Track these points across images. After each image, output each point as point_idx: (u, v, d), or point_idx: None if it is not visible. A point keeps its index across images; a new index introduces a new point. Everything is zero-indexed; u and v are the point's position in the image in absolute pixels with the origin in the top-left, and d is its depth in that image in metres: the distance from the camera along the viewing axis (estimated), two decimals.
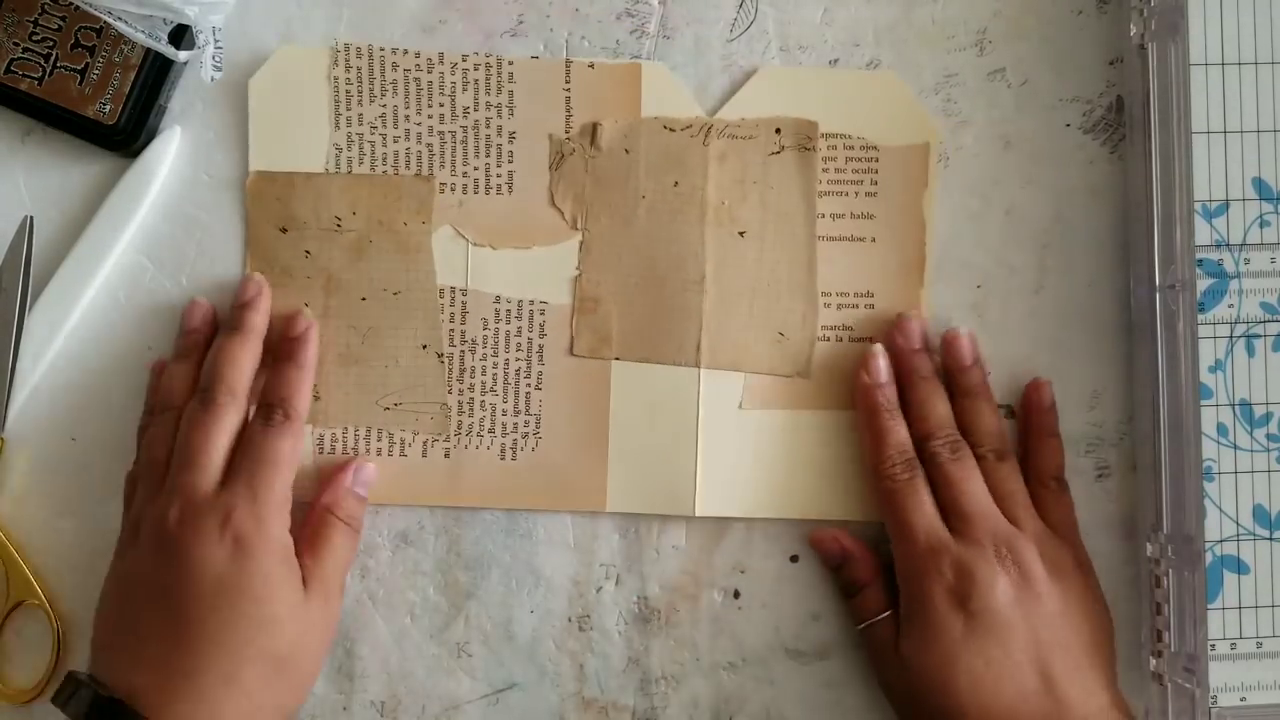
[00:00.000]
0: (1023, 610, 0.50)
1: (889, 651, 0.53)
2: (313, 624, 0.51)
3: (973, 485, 0.52)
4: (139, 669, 0.48)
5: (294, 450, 0.52)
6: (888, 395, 0.54)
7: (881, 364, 0.55)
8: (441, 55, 0.56)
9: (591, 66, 0.56)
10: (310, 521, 0.54)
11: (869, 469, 0.54)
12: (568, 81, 0.56)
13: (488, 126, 0.56)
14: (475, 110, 0.56)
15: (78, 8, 0.50)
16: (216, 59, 0.55)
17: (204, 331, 0.54)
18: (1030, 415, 0.55)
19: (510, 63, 0.56)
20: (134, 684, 0.48)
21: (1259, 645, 0.54)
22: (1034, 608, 0.51)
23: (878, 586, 0.54)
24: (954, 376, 0.55)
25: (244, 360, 0.53)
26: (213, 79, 0.55)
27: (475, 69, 0.56)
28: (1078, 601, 0.52)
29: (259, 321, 0.54)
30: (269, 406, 0.52)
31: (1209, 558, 0.54)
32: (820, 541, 0.56)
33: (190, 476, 0.50)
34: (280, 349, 0.54)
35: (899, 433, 0.54)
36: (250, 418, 0.52)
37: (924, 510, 0.52)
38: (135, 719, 0.47)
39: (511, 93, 0.56)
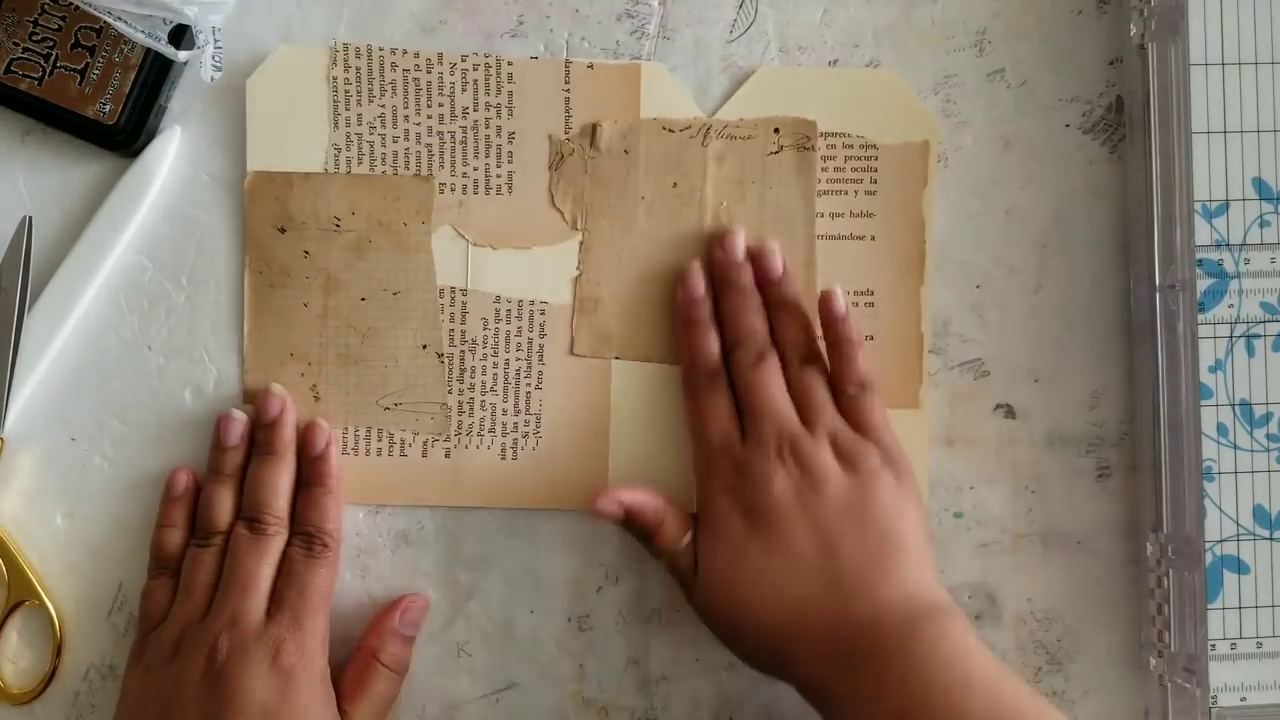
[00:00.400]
0: (802, 504, 0.50)
1: (688, 575, 0.52)
2: None
3: (768, 390, 0.53)
4: None
5: (333, 579, 0.53)
6: (700, 309, 0.55)
7: (697, 279, 0.55)
8: (441, 55, 0.56)
9: (591, 67, 0.56)
10: (354, 663, 0.54)
11: (680, 377, 0.55)
12: (567, 82, 0.56)
13: (487, 127, 0.56)
14: (475, 110, 0.56)
15: (78, 8, 0.50)
16: (216, 59, 0.55)
17: (243, 449, 0.55)
18: (825, 327, 0.54)
19: (510, 63, 0.56)
20: None
21: (1259, 645, 0.54)
22: (816, 501, 0.50)
23: (664, 523, 0.53)
24: (765, 290, 0.55)
25: (284, 484, 0.54)
26: (212, 79, 0.55)
27: (475, 69, 0.56)
28: (871, 496, 0.51)
29: (289, 438, 0.55)
30: (308, 536, 0.53)
31: (1209, 558, 0.54)
32: (599, 514, 0.53)
33: (240, 604, 0.51)
34: (307, 470, 0.55)
35: (709, 346, 0.54)
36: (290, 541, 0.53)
37: (718, 415, 0.53)
38: None
39: (511, 93, 0.56)
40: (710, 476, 0.52)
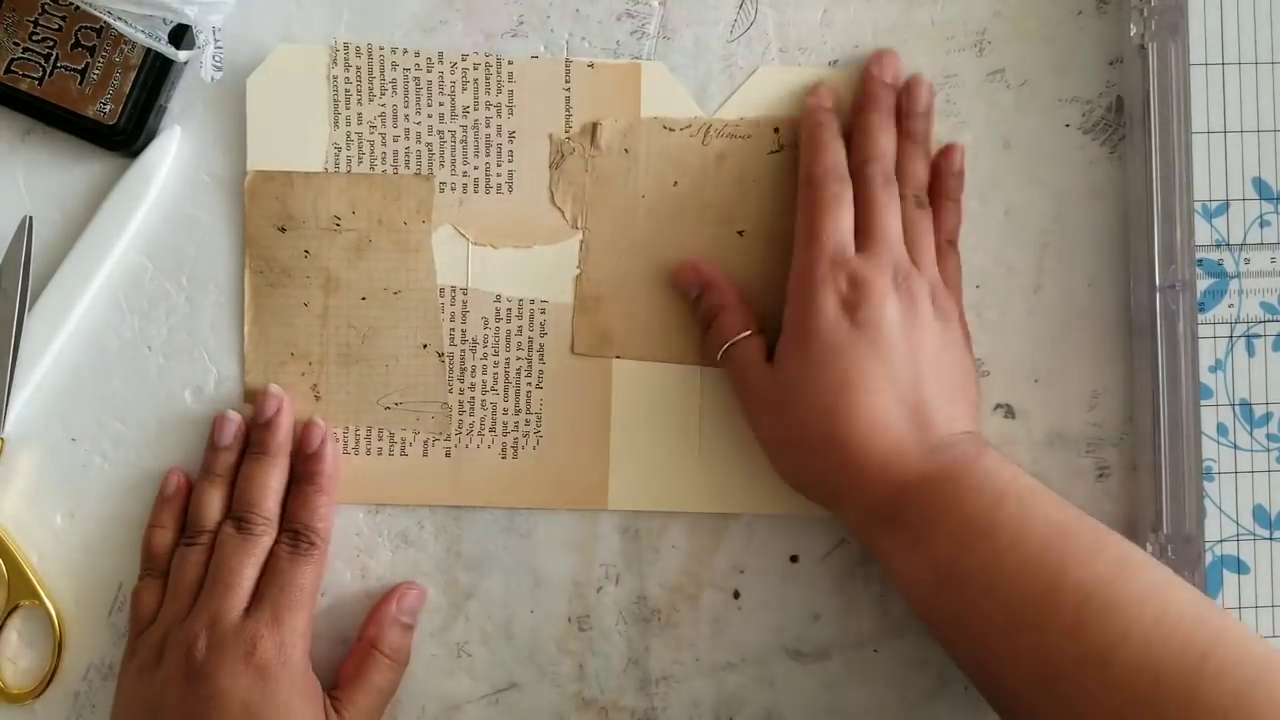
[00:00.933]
0: (905, 334, 0.50)
1: (755, 368, 0.53)
2: None
3: (890, 214, 0.52)
4: None
5: (318, 577, 0.53)
6: (830, 117, 0.55)
7: (826, 93, 0.55)
8: (441, 55, 0.56)
9: (591, 66, 0.56)
10: (354, 654, 0.54)
11: (801, 180, 0.54)
12: (567, 81, 0.56)
13: (487, 126, 0.56)
14: (475, 110, 0.56)
15: (78, 8, 0.50)
16: (217, 59, 0.55)
17: (236, 449, 0.55)
18: (936, 177, 0.55)
19: (510, 62, 0.56)
20: None
21: None
22: (917, 336, 0.51)
23: (737, 309, 0.54)
24: (903, 119, 0.55)
25: (274, 484, 0.54)
26: (213, 79, 0.55)
27: (475, 68, 0.56)
28: (955, 346, 0.52)
29: (284, 441, 0.55)
30: (295, 533, 0.53)
31: (1209, 558, 0.54)
32: (679, 274, 0.55)
33: (221, 603, 0.51)
34: (300, 468, 0.55)
35: (837, 151, 0.54)
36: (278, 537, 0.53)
37: (839, 223, 0.52)
38: None
39: (511, 92, 0.56)
40: (823, 280, 0.51)
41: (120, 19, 0.51)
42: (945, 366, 0.51)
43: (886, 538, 0.50)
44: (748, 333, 0.53)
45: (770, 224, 0.56)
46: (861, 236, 0.52)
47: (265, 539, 0.53)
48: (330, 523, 0.54)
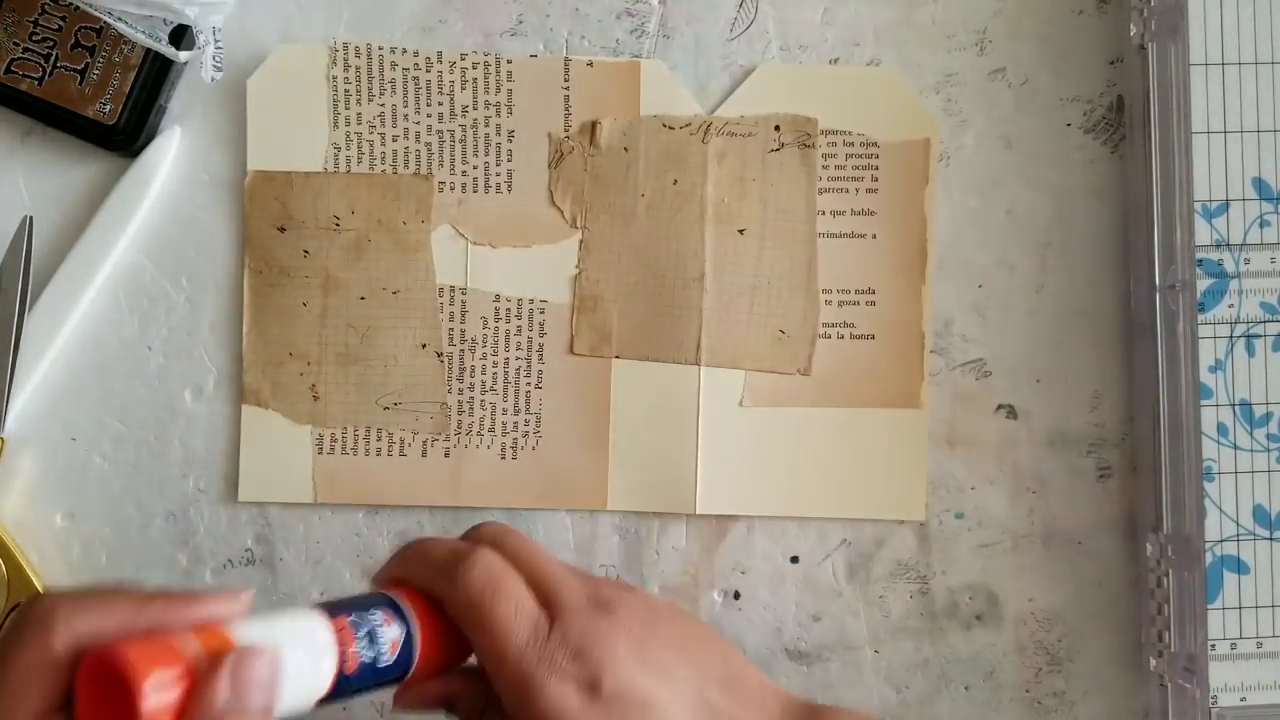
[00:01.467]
0: (661, 670, 0.42)
1: None
2: None
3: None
4: None
5: None
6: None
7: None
8: (440, 54, 0.56)
9: (590, 65, 0.56)
10: None
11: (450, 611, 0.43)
12: (567, 80, 0.56)
13: (487, 125, 0.56)
14: (474, 109, 0.56)
15: (77, 8, 0.50)
16: (217, 59, 0.55)
17: None
18: None
19: (509, 61, 0.56)
20: None
21: (1259, 645, 0.54)
22: (672, 661, 0.43)
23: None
24: None
25: None
26: (213, 79, 0.55)
27: (474, 68, 0.56)
28: (706, 645, 0.45)
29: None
30: None
31: (1209, 558, 0.54)
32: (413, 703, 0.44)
33: None
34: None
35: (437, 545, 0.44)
36: None
37: (513, 595, 0.42)
38: None
39: (510, 91, 0.56)
40: (530, 672, 0.41)
41: (120, 19, 0.51)
42: (715, 672, 0.43)
43: None
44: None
45: (770, 223, 0.56)
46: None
47: None
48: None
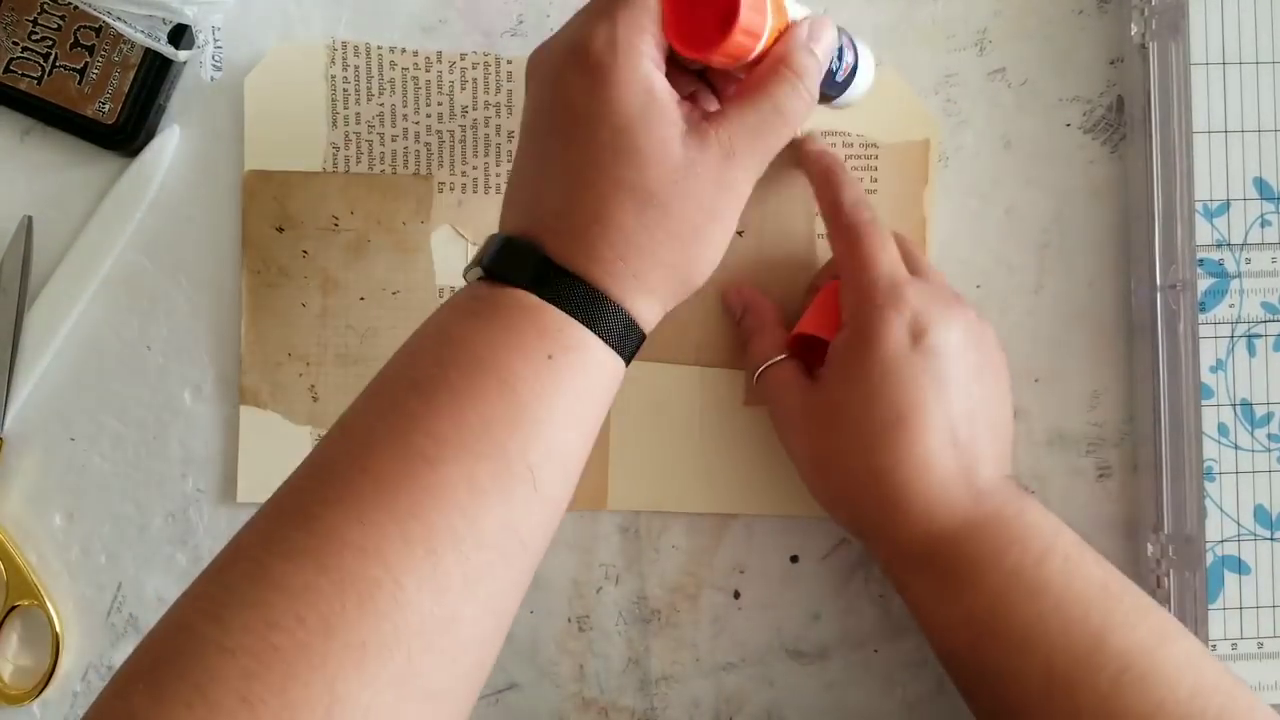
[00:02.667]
0: (967, 365, 0.49)
1: (794, 387, 0.51)
2: (693, 173, 0.43)
3: (917, 250, 0.54)
4: (528, 217, 0.44)
5: None
6: (838, 156, 0.54)
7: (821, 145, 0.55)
8: (440, 54, 0.56)
9: None
10: (753, 74, 0.45)
11: (829, 216, 0.52)
12: None
13: (486, 125, 0.56)
14: (474, 109, 0.56)
15: (77, 7, 0.50)
16: (216, 58, 0.55)
17: None
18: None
19: (509, 61, 0.56)
20: (528, 230, 0.44)
21: (1260, 645, 0.54)
22: (978, 368, 0.49)
23: (773, 332, 0.53)
24: None
25: None
26: (212, 79, 0.55)
27: (474, 68, 0.56)
28: (1004, 378, 0.51)
29: None
30: None
31: (1210, 558, 0.54)
32: (726, 297, 0.55)
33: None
34: None
35: (858, 186, 0.53)
36: None
37: (889, 248, 0.50)
38: (529, 249, 0.43)
39: (510, 91, 0.56)
40: (887, 305, 0.48)
41: (120, 19, 0.51)
42: (995, 401, 0.50)
43: (920, 582, 0.48)
44: (782, 356, 0.52)
45: (770, 224, 0.56)
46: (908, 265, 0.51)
47: None
48: None
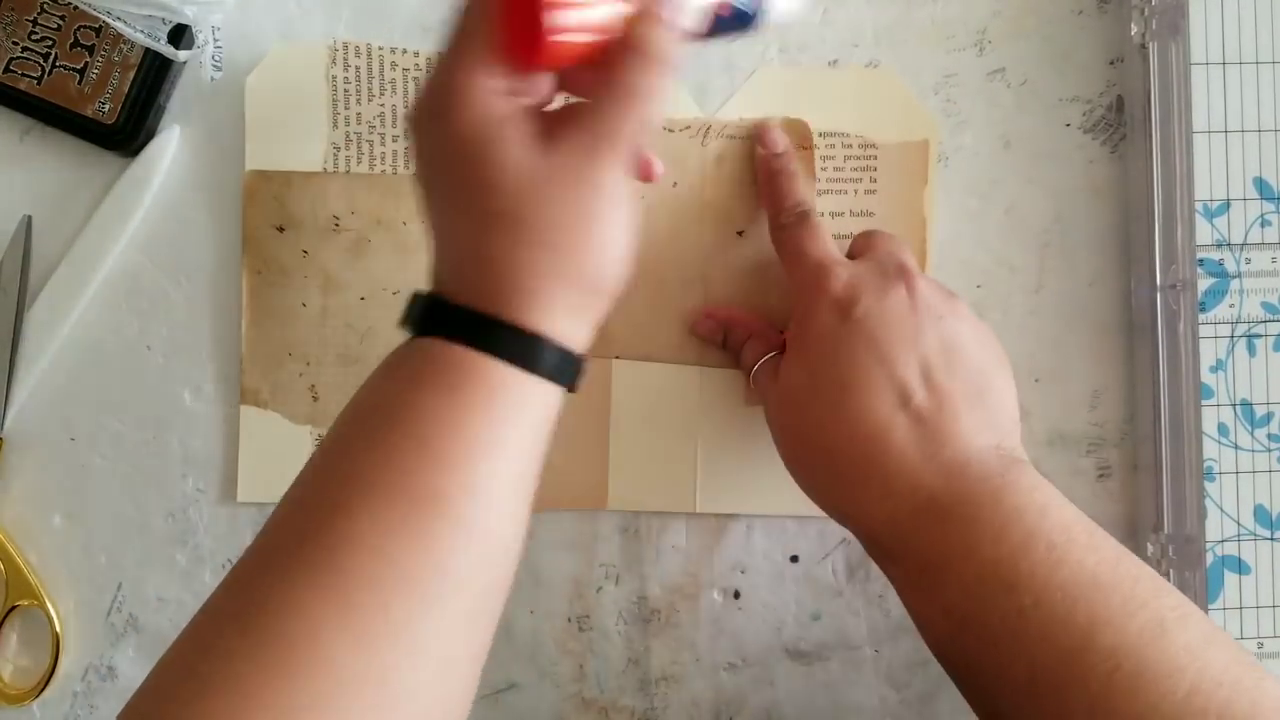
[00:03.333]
0: (906, 328, 0.47)
1: (770, 383, 0.51)
2: (551, 181, 0.41)
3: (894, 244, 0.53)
4: (434, 268, 0.44)
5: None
6: (787, 161, 0.55)
7: (778, 136, 0.56)
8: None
9: None
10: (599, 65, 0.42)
11: (770, 220, 0.54)
12: None
13: None
14: None
15: (77, 7, 0.50)
16: (216, 58, 0.55)
17: None
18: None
19: None
20: (435, 278, 0.44)
21: (1260, 645, 0.54)
22: (922, 330, 0.47)
23: (760, 335, 0.54)
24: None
25: None
26: (212, 79, 0.55)
27: None
28: (972, 342, 0.48)
29: None
30: None
31: (1210, 558, 0.54)
32: (698, 327, 0.56)
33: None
34: None
35: (798, 190, 0.54)
36: None
37: (820, 239, 0.51)
38: (425, 296, 0.43)
39: None
40: (815, 286, 0.49)
41: (119, 19, 0.51)
42: (958, 365, 0.47)
43: (896, 570, 0.47)
44: (771, 354, 0.52)
45: (769, 224, 0.56)
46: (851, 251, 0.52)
47: None
48: None
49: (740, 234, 0.56)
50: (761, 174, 0.56)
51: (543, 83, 0.43)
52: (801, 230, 0.52)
